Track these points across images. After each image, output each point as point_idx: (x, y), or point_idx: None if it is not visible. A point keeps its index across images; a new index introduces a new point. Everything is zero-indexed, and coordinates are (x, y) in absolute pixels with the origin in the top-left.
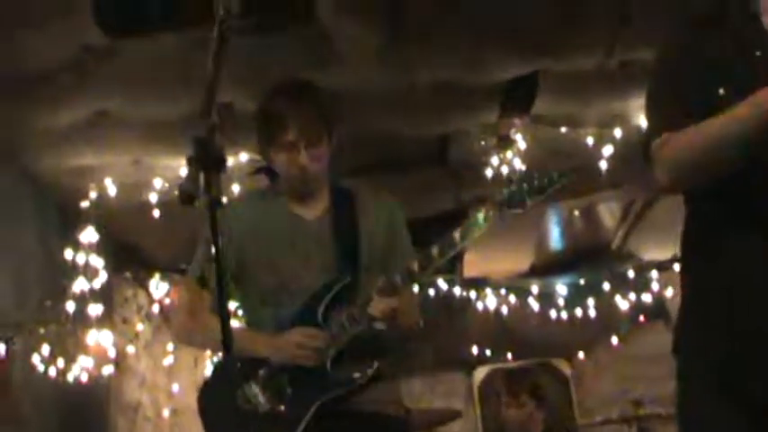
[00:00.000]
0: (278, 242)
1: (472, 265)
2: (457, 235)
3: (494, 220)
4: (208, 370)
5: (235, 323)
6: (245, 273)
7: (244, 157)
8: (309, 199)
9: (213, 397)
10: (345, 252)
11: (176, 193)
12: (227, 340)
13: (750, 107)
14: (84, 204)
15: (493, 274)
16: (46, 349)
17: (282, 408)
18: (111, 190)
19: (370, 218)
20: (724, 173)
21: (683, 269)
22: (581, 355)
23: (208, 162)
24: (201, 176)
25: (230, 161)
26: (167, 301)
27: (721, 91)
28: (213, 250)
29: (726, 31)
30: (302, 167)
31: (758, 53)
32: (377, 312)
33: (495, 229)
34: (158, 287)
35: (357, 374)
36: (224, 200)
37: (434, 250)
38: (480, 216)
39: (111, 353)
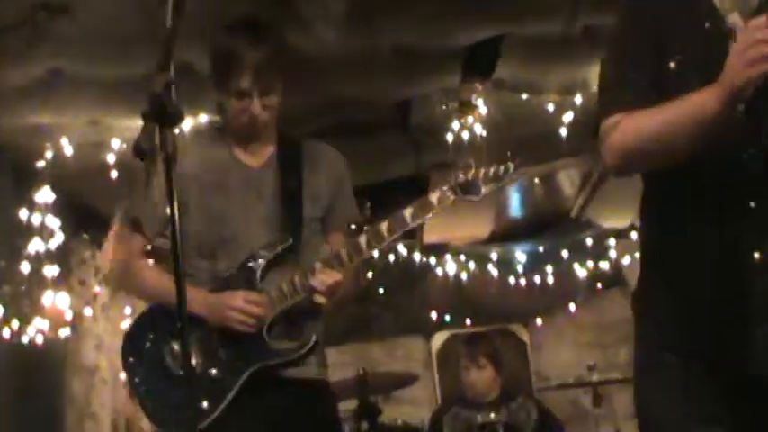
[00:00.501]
0: (218, 189)
1: (432, 231)
2: (408, 214)
3: (448, 204)
4: None
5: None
6: (181, 219)
7: (203, 118)
8: (255, 145)
9: (139, 351)
10: (288, 207)
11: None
12: (181, 302)
13: (703, 102)
14: (40, 164)
15: (453, 241)
16: (0, 310)
17: (213, 371)
18: (68, 150)
19: (316, 171)
20: (672, 162)
21: (641, 234)
22: (539, 321)
23: (163, 117)
24: (157, 132)
25: (189, 122)
26: None
27: (672, 65)
28: (169, 210)
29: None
30: (253, 116)
31: (707, 24)
32: (319, 284)
33: None
34: None
35: (293, 345)
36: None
37: (384, 227)
38: (434, 197)
39: (68, 315)
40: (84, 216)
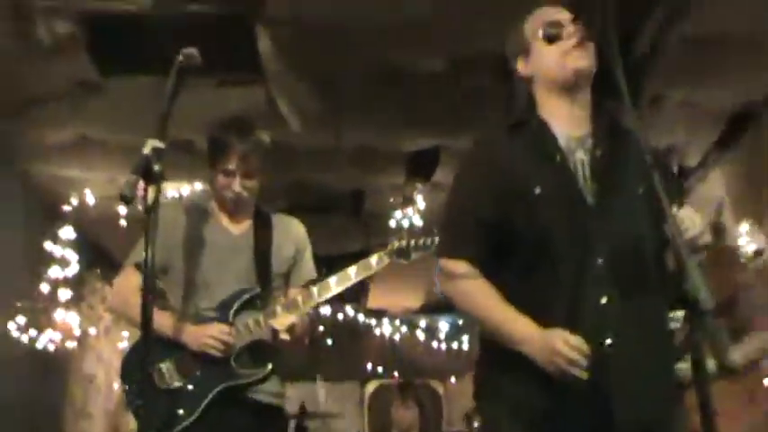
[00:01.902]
0: (206, 247)
1: (375, 299)
2: (352, 272)
3: (384, 265)
4: None
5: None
6: (175, 268)
7: (198, 186)
8: (237, 217)
9: (132, 367)
10: (259, 264)
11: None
12: (146, 325)
13: (523, 344)
14: (66, 208)
15: (391, 308)
16: (21, 320)
17: (190, 386)
18: (90, 200)
19: (283, 238)
20: None
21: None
22: (453, 379)
23: (148, 175)
24: (140, 185)
25: (188, 189)
26: None
27: (538, 190)
28: (143, 249)
29: (527, 138)
30: (236, 192)
31: (558, 158)
32: (278, 325)
33: (396, 273)
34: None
35: (254, 371)
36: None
37: (333, 281)
38: (373, 260)
39: (76, 331)
40: (97, 254)
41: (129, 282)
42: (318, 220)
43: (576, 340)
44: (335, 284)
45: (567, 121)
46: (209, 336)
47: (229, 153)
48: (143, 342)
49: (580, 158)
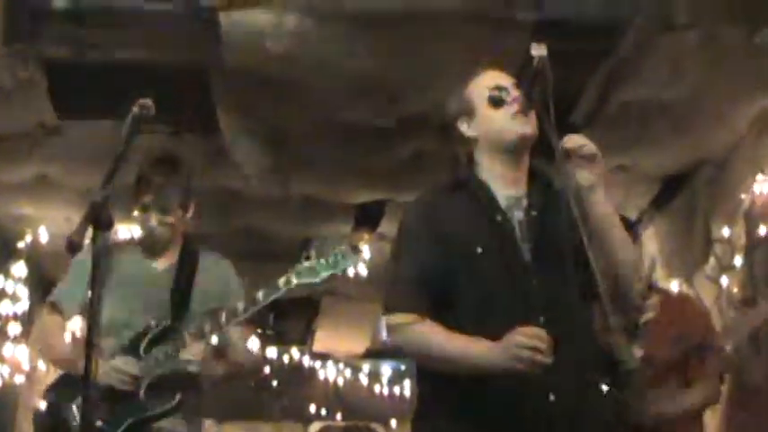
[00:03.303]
0: (128, 285)
1: (320, 342)
2: (260, 295)
3: (291, 286)
4: None
5: None
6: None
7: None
8: (162, 253)
9: (47, 409)
10: (177, 299)
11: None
12: (86, 372)
13: (483, 357)
14: (20, 244)
15: (335, 352)
16: None
17: (99, 423)
18: (44, 237)
19: (208, 275)
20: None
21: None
22: (393, 422)
23: (98, 222)
24: (89, 231)
25: (139, 230)
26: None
27: (479, 249)
28: (90, 295)
29: (467, 198)
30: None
31: (498, 218)
32: (187, 355)
33: (341, 318)
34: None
35: (162, 403)
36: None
37: (240, 306)
38: (281, 281)
39: (25, 366)
40: (50, 290)
41: (45, 324)
42: (266, 266)
43: (534, 330)
44: (243, 310)
45: (506, 182)
46: (113, 369)
47: (146, 186)
48: (83, 394)
49: (518, 218)
